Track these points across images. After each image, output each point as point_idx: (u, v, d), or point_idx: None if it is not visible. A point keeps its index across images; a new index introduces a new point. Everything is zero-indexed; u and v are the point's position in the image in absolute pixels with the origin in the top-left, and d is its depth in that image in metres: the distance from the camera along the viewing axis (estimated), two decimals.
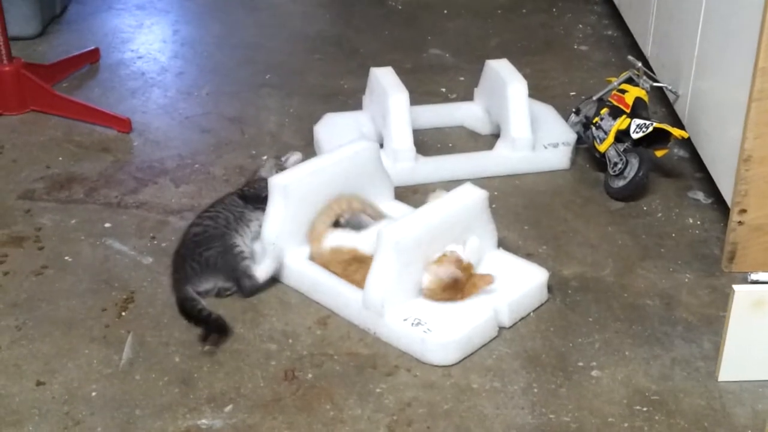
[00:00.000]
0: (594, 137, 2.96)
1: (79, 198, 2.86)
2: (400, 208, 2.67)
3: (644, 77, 2.99)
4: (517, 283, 2.40)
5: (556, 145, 3.01)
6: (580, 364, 2.26)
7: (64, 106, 3.28)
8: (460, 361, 2.24)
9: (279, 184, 2.46)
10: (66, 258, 2.60)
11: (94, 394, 2.15)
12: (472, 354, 2.27)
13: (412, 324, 2.27)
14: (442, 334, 2.24)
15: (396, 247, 2.27)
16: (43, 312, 2.40)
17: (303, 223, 2.50)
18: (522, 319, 2.38)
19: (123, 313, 2.39)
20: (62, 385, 2.18)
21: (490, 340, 2.31)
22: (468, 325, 2.27)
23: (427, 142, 3.14)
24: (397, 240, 2.28)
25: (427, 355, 2.24)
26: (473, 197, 2.46)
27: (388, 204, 2.67)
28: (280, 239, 2.46)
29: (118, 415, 2.10)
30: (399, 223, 2.36)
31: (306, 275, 2.45)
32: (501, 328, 2.34)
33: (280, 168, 2.67)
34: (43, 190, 2.89)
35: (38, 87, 3.28)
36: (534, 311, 2.40)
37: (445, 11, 4.18)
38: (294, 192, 2.46)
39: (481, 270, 2.40)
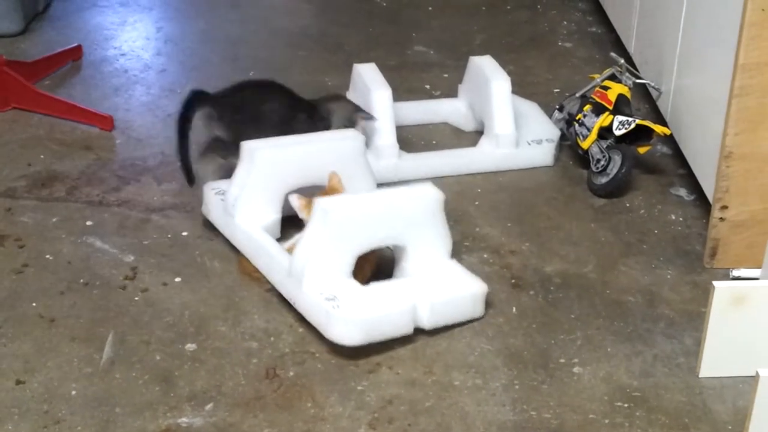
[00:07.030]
0: (577, 134, 2.96)
1: (60, 196, 2.84)
2: None
3: (627, 74, 2.99)
4: (447, 289, 2.34)
5: (539, 142, 3.01)
6: (562, 360, 2.26)
7: (46, 103, 3.25)
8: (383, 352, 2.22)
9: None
10: (47, 256, 2.58)
11: (74, 392, 2.15)
12: (404, 346, 2.25)
13: (326, 298, 2.24)
14: (348, 311, 2.21)
15: (325, 216, 2.24)
16: (24, 310, 2.38)
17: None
18: (450, 327, 2.32)
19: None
20: (42, 384, 2.17)
21: (405, 336, 2.26)
22: (378, 310, 2.23)
23: (411, 139, 3.13)
24: (327, 210, 2.25)
25: (330, 330, 2.21)
26: (427, 196, 2.38)
27: None
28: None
29: (99, 414, 2.09)
30: (338, 197, 2.36)
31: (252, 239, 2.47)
32: (419, 329, 2.29)
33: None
34: (25, 188, 2.87)
35: (20, 84, 3.26)
36: (469, 320, 2.35)
37: (430, 8, 4.17)
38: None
39: (424, 278, 2.35)
